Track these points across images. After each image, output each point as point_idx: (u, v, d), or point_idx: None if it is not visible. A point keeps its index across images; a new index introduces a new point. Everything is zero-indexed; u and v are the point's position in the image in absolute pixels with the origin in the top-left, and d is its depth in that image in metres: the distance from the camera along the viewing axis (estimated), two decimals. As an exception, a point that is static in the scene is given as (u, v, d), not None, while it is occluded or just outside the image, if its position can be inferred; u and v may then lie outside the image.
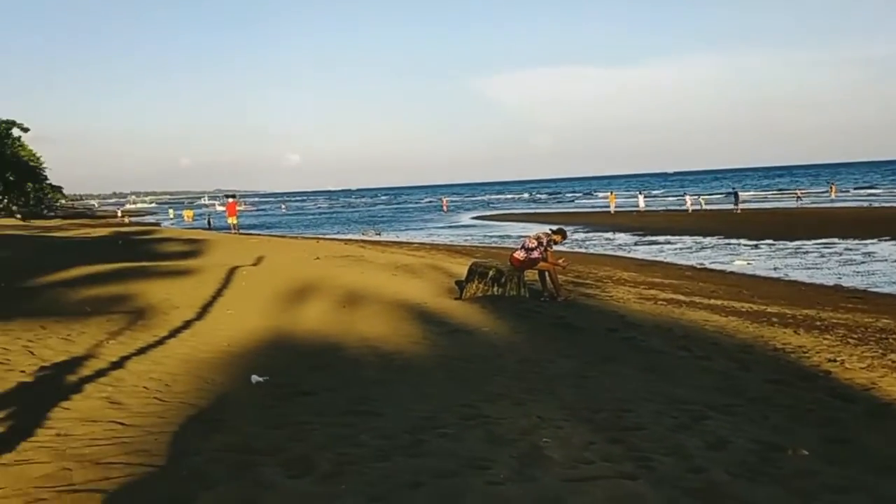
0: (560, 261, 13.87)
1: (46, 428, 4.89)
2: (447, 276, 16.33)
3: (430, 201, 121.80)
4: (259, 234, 42.92)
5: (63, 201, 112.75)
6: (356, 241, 39.40)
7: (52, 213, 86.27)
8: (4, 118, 75.84)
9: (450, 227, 56.54)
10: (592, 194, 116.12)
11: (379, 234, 48.29)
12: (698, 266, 26.47)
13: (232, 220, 44.48)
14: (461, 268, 17.61)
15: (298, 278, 14.76)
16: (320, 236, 45.54)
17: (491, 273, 13.41)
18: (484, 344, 9.43)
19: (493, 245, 37.02)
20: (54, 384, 6.32)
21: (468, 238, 42.80)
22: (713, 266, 26.37)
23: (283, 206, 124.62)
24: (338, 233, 52.88)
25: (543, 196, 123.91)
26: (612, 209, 63.43)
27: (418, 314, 11.68)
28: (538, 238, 13.52)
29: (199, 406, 5.72)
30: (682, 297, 16.10)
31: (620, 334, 10.40)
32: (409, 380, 7.26)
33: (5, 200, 79.53)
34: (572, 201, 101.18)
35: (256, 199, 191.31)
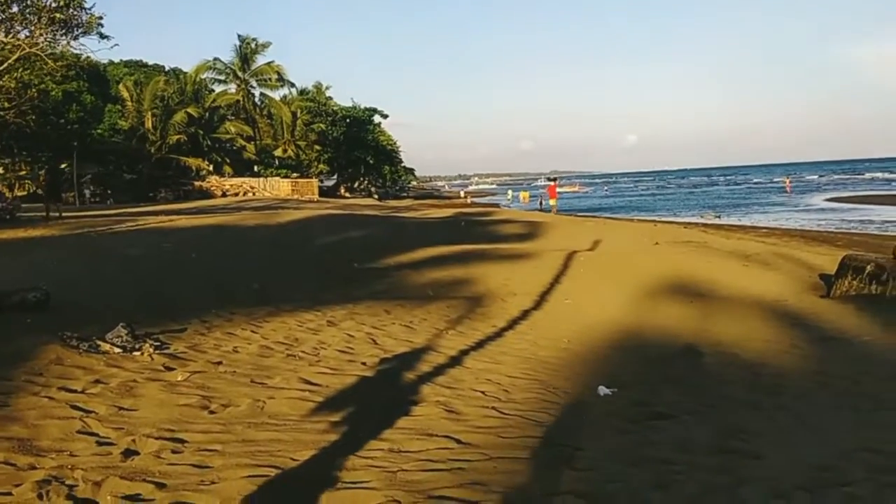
0: (967, 255, 11.31)
1: (380, 440, 4.49)
2: (806, 269, 14.23)
3: (760, 182, 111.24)
4: (594, 217, 42.35)
5: (414, 183, 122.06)
6: (696, 224, 37.16)
7: (405, 194, 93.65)
8: (367, 106, 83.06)
9: (798, 210, 51.14)
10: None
11: (719, 217, 45.25)
12: None
13: (552, 202, 45.22)
14: (822, 258, 15.42)
15: (638, 266, 13.78)
16: (657, 219, 43.75)
17: (869, 268, 11.29)
18: (872, 358, 7.72)
19: (854, 231, 32.52)
20: (392, 382, 6.04)
21: (822, 223, 38.15)
22: None
23: (605, 188, 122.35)
24: (675, 215, 50.44)
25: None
26: None
27: (780, 314, 10.16)
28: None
29: (542, 423, 5.01)
30: None
31: None
32: (785, 404, 5.97)
33: (365, 181, 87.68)
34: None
35: (586, 181, 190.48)
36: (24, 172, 44.40)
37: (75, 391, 5.16)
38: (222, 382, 5.68)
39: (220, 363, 6.31)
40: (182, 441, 4.36)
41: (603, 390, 5.94)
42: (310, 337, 7.75)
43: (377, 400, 5.45)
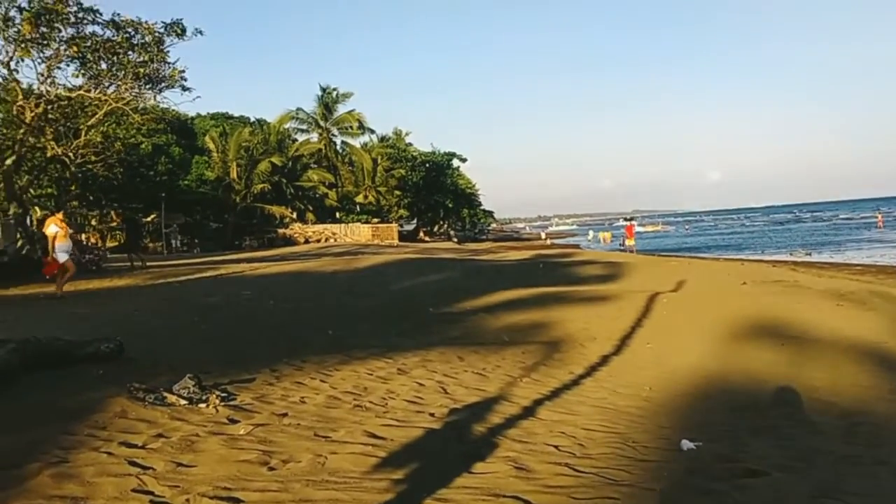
0: None
1: (443, 501, 4.18)
2: (908, 308, 13.36)
3: (848, 218, 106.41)
4: (677, 257, 41.26)
5: (494, 225, 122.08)
6: (785, 262, 35.74)
7: (484, 237, 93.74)
8: (446, 150, 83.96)
9: (894, 245, 48.60)
10: None
11: (809, 255, 43.49)
12: None
13: (629, 242, 45.45)
14: (925, 297, 14.47)
15: (724, 307, 13.14)
16: (744, 258, 42.31)
17: (980, 307, 10.51)
18: None
19: (960, 268, 30.67)
20: (460, 435, 5.73)
21: (919, 260, 36.12)
22: None
23: (686, 227, 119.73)
24: (762, 253, 48.65)
25: None
26: None
27: (878, 358, 9.45)
28: None
29: (619, 483, 4.62)
30: None
31: None
32: (887, 458, 5.42)
33: (445, 225, 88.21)
34: None
35: (669, 219, 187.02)
36: (115, 224, 46.12)
37: (136, 446, 5.04)
38: (285, 436, 5.48)
39: (285, 415, 6.13)
40: (237, 500, 4.16)
41: (686, 444, 5.49)
42: (379, 386, 7.53)
43: (443, 455, 5.14)
